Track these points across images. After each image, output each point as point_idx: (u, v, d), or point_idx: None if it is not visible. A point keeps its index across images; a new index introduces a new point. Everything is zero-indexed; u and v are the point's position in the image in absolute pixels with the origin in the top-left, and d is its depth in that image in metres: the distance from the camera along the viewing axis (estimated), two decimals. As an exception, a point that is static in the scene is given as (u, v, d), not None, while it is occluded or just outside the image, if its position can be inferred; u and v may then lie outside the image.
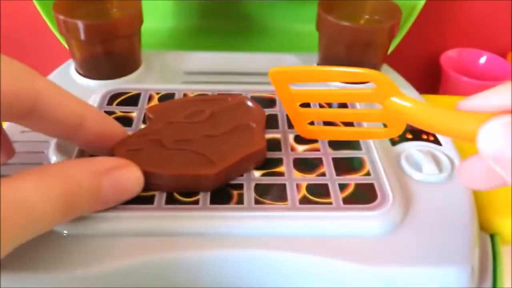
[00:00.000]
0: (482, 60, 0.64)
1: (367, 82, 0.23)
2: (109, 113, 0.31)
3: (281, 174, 0.26)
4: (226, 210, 0.24)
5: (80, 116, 0.23)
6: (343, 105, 0.31)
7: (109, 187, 0.22)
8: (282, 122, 0.31)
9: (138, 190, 0.23)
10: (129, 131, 0.29)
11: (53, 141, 0.28)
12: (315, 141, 0.29)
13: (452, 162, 0.29)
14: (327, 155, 0.28)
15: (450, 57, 0.64)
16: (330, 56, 0.37)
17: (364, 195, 0.25)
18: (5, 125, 0.30)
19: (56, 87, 0.23)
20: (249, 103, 0.30)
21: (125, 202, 0.24)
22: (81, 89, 0.34)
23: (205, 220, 0.23)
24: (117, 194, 0.23)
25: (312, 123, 0.28)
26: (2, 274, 0.21)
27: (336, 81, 0.34)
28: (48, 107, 0.22)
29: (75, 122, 0.23)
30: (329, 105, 0.32)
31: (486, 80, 0.59)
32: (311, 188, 0.25)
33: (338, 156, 0.28)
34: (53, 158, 0.27)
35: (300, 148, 0.28)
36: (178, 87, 0.34)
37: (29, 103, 0.21)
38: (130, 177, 0.23)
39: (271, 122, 0.30)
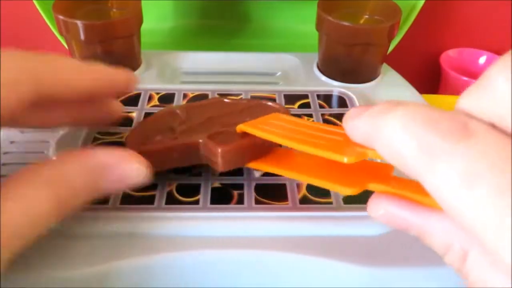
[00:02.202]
0: (482, 60, 0.64)
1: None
2: (109, 113, 0.31)
3: (281, 174, 0.26)
4: (227, 210, 0.24)
5: (89, 91, 0.22)
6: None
7: (107, 184, 0.21)
8: (282, 122, 0.31)
9: (139, 182, 0.21)
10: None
11: (53, 141, 0.28)
12: None
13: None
14: (327, 155, 0.28)
15: (450, 56, 0.64)
16: (330, 56, 0.37)
17: (364, 195, 0.25)
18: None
19: (58, 66, 0.21)
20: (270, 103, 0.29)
21: (125, 203, 0.24)
22: (81, 89, 0.34)
23: (205, 220, 0.23)
24: (116, 188, 0.22)
25: None
26: (3, 275, 0.21)
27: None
28: (52, 89, 0.20)
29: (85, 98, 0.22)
30: None
31: (486, 80, 0.59)
32: (311, 188, 0.25)
33: (338, 156, 0.28)
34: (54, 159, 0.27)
35: (300, 148, 0.28)
36: (178, 87, 0.34)
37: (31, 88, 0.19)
38: (130, 173, 0.21)
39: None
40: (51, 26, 0.42)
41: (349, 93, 0.34)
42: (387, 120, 0.15)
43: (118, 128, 0.29)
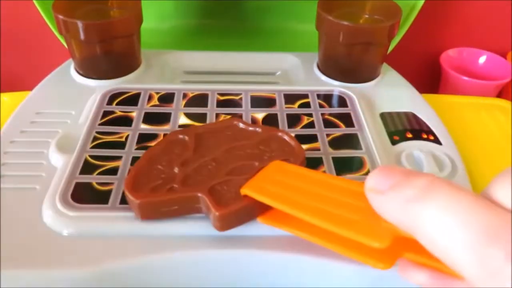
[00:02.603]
0: (482, 59, 0.64)
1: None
2: (109, 112, 0.31)
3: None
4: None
5: None
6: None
7: None
8: (282, 121, 0.31)
9: None
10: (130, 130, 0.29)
11: (53, 141, 0.28)
12: (315, 140, 0.29)
13: (452, 161, 0.29)
14: (328, 155, 0.28)
15: (450, 56, 0.64)
16: (330, 55, 0.37)
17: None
18: (5, 125, 0.30)
19: None
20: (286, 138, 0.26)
21: (125, 202, 0.24)
22: (80, 89, 0.34)
23: (204, 220, 0.23)
24: None
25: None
26: (3, 274, 0.21)
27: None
28: None
29: None
30: None
31: (486, 79, 0.59)
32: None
33: (338, 156, 0.28)
34: (54, 157, 0.27)
35: (300, 147, 0.28)
36: (177, 87, 0.34)
37: None
38: None
39: (271, 122, 0.30)
40: (51, 26, 0.42)
41: (349, 92, 0.34)
42: (426, 210, 0.14)
43: (118, 128, 0.29)
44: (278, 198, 0.20)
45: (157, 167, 0.24)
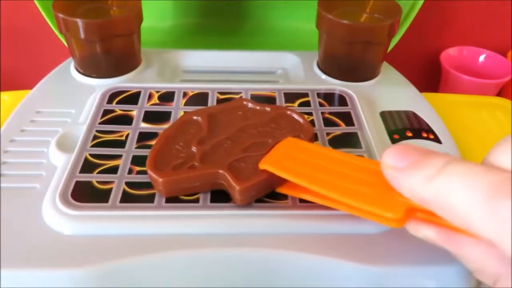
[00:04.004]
0: (482, 58, 0.64)
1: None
2: (109, 111, 0.31)
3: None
4: (226, 209, 0.24)
5: None
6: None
7: None
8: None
9: None
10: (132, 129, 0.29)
11: (53, 140, 0.28)
12: (315, 139, 0.29)
13: (452, 160, 0.29)
14: (327, 154, 0.28)
15: (450, 55, 0.63)
16: (330, 54, 0.37)
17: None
18: (4, 124, 0.30)
19: None
20: (295, 116, 0.28)
21: (125, 201, 0.24)
22: (81, 87, 0.34)
23: (205, 219, 0.23)
24: None
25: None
26: (3, 274, 0.21)
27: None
28: None
29: None
30: None
31: (485, 78, 0.59)
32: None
33: (338, 155, 0.28)
34: (54, 156, 0.27)
35: (300, 146, 0.28)
36: (177, 86, 0.34)
37: None
38: None
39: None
40: (51, 25, 0.42)
41: (349, 91, 0.34)
42: (446, 185, 0.15)
43: (118, 126, 0.29)
44: (295, 173, 0.21)
45: (175, 147, 0.25)
